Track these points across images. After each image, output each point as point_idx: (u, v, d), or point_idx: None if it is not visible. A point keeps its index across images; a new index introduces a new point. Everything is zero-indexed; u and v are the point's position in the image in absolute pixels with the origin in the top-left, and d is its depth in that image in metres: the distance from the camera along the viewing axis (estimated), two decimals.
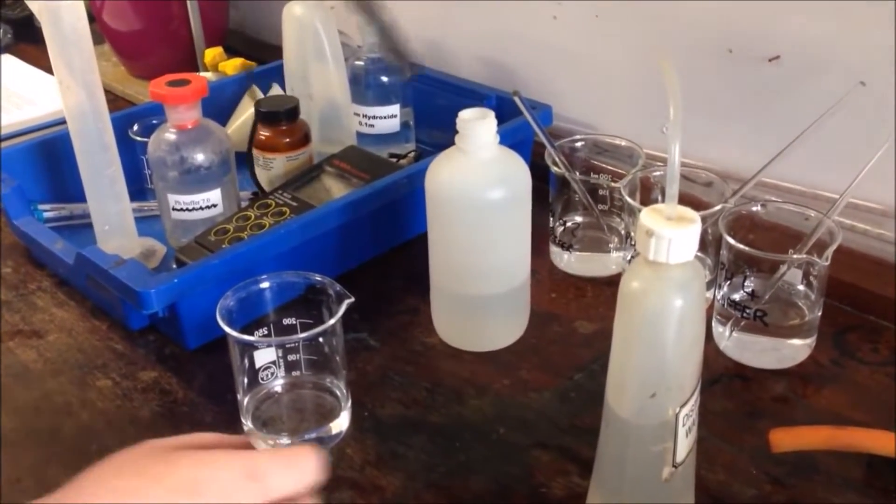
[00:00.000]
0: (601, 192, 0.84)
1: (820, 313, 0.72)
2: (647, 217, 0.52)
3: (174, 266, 0.83)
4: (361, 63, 1.01)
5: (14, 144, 0.94)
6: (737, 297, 0.72)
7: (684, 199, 0.80)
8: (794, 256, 0.70)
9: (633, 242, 0.79)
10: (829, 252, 0.69)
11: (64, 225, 0.93)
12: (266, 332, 0.67)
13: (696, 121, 0.91)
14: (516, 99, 0.79)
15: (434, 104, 1.03)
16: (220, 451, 0.45)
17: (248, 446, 0.49)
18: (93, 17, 1.14)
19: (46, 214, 0.92)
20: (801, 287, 0.73)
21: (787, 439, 0.62)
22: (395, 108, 1.01)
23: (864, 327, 0.77)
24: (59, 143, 0.93)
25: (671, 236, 0.51)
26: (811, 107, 0.73)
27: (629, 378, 0.55)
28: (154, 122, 0.94)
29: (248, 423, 0.68)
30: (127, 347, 0.78)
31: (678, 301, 0.52)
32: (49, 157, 0.94)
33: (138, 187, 0.97)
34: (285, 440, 0.67)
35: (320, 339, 0.66)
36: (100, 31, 1.26)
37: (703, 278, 0.54)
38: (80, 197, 0.88)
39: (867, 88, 0.71)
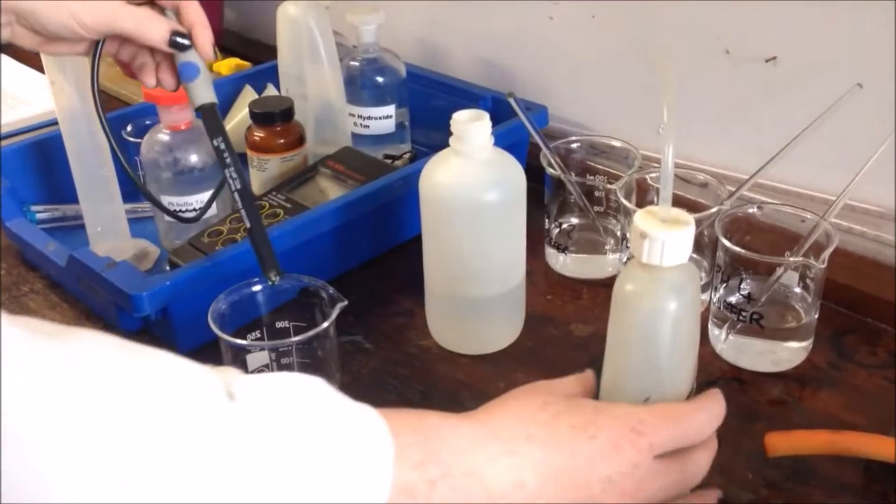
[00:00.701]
0: (597, 193, 0.84)
1: (817, 316, 0.72)
2: (641, 219, 0.51)
3: (168, 268, 0.82)
4: (356, 63, 1.00)
5: (7, 145, 0.94)
6: (733, 299, 0.72)
7: (680, 201, 0.80)
8: (791, 259, 0.70)
9: (628, 244, 0.78)
10: (827, 254, 0.68)
11: (57, 226, 0.92)
12: (259, 336, 0.66)
13: (692, 122, 0.91)
14: (511, 101, 0.79)
15: (429, 105, 1.03)
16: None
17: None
18: None
19: (39, 216, 0.92)
20: (797, 289, 0.72)
21: (784, 443, 0.62)
22: (390, 109, 1.01)
23: (862, 330, 0.76)
24: (52, 144, 0.92)
25: (665, 238, 0.50)
26: (808, 108, 0.72)
27: (623, 381, 0.55)
28: (147, 122, 0.93)
29: None
30: None
31: (672, 304, 0.52)
32: (42, 158, 0.94)
33: (132, 188, 0.96)
34: None
35: (314, 343, 0.66)
36: None
37: (697, 281, 0.54)
38: (74, 198, 0.87)
39: (865, 90, 0.70)
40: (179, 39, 0.66)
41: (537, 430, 0.50)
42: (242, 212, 0.66)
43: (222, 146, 0.68)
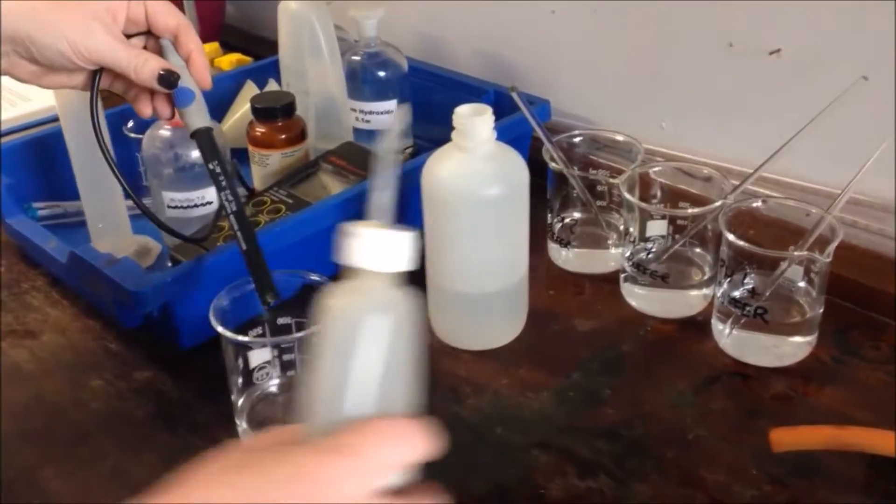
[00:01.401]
0: (599, 187, 0.83)
1: (821, 310, 0.72)
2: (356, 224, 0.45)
3: (169, 264, 0.82)
4: (358, 58, 1.00)
5: (7, 142, 0.93)
6: (737, 294, 0.72)
7: (684, 195, 0.80)
8: (795, 253, 0.69)
9: (632, 239, 0.78)
10: (831, 248, 0.68)
11: (58, 223, 0.92)
12: (261, 332, 0.66)
13: (695, 115, 0.90)
14: (514, 95, 0.78)
15: (431, 99, 1.02)
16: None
17: None
18: None
19: (41, 212, 0.92)
20: (801, 284, 0.72)
21: (788, 439, 0.62)
22: (392, 104, 1.00)
23: (866, 324, 0.76)
24: (53, 141, 0.92)
25: (373, 237, 0.44)
26: (812, 101, 0.72)
27: (315, 393, 0.45)
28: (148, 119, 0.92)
29: (242, 424, 0.67)
30: (121, 347, 0.77)
31: (370, 315, 0.44)
32: (43, 155, 0.94)
33: (133, 185, 0.95)
34: None
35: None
36: None
37: (407, 297, 0.45)
38: (75, 195, 0.87)
39: (869, 82, 0.70)
40: (169, 77, 0.66)
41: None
42: (238, 234, 0.65)
43: (217, 170, 0.68)
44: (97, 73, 0.67)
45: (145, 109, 0.70)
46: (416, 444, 0.44)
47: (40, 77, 0.66)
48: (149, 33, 0.69)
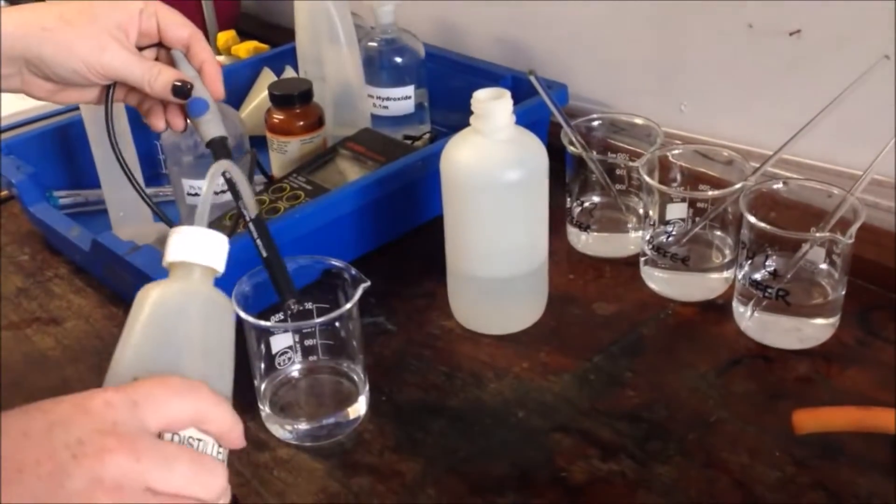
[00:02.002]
0: (618, 171, 0.83)
1: (844, 292, 0.71)
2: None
3: None
4: (375, 44, 0.99)
5: (28, 131, 0.94)
6: (758, 276, 0.71)
7: (703, 178, 0.79)
8: (817, 234, 0.69)
9: (652, 222, 0.78)
10: (853, 230, 0.67)
11: (79, 211, 0.93)
12: (282, 318, 0.66)
13: (715, 97, 0.90)
14: (532, 78, 0.78)
15: (448, 85, 1.02)
16: None
17: None
18: None
19: (62, 201, 0.92)
20: (823, 266, 0.71)
21: (811, 420, 0.61)
22: (409, 90, 1.00)
23: (890, 306, 0.75)
24: (73, 130, 0.93)
25: (184, 233, 0.49)
26: (833, 81, 0.71)
27: (113, 362, 0.48)
28: None
29: (265, 409, 0.67)
30: None
31: (154, 288, 0.47)
32: (64, 144, 0.94)
33: (153, 172, 0.97)
34: (304, 426, 0.66)
35: (337, 324, 0.66)
36: None
37: (223, 305, 0.49)
38: (95, 183, 0.88)
39: (891, 62, 0.69)
40: (183, 88, 0.66)
41: None
42: (258, 242, 0.65)
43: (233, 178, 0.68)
44: (110, 87, 0.68)
45: (158, 123, 0.70)
46: (203, 402, 0.44)
47: (55, 94, 0.67)
48: (160, 45, 0.69)
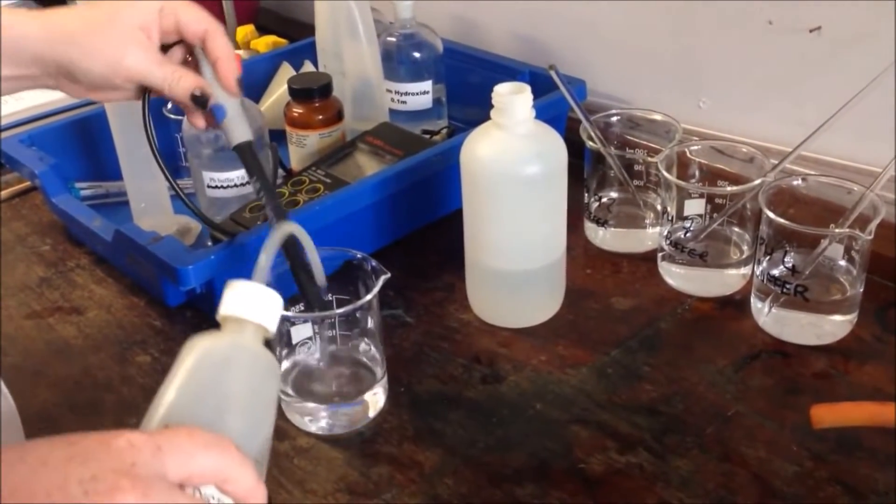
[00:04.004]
0: (637, 167, 0.83)
1: (862, 289, 0.71)
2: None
3: (210, 243, 0.83)
4: (394, 39, 1.00)
5: (51, 123, 0.95)
6: (776, 272, 0.71)
7: (722, 174, 0.79)
8: (836, 231, 0.69)
9: (670, 218, 0.78)
10: (873, 226, 0.67)
11: (100, 203, 0.93)
12: (303, 308, 0.67)
13: (734, 93, 0.90)
14: (552, 73, 0.78)
15: (466, 80, 1.03)
16: None
17: None
18: None
19: (83, 192, 0.93)
20: (842, 262, 0.71)
21: (829, 415, 0.61)
22: (427, 85, 1.01)
23: None
24: (95, 122, 0.93)
25: (240, 288, 0.49)
26: (853, 78, 0.71)
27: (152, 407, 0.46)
28: None
29: (285, 399, 0.68)
30: (165, 324, 0.78)
31: (203, 341, 0.47)
32: (85, 136, 0.95)
33: (173, 165, 0.97)
34: (323, 415, 0.67)
35: (357, 315, 0.66)
36: None
37: (271, 366, 0.49)
38: (117, 175, 0.89)
39: None
40: (200, 98, 0.67)
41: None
42: (283, 250, 0.64)
43: (258, 185, 0.68)
44: (146, 92, 0.68)
45: (194, 121, 0.71)
46: (227, 460, 0.42)
47: (89, 93, 0.67)
48: (185, 42, 0.69)
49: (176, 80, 0.66)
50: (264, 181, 0.69)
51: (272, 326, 0.49)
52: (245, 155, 0.69)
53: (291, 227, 0.58)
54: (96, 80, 0.65)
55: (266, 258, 0.51)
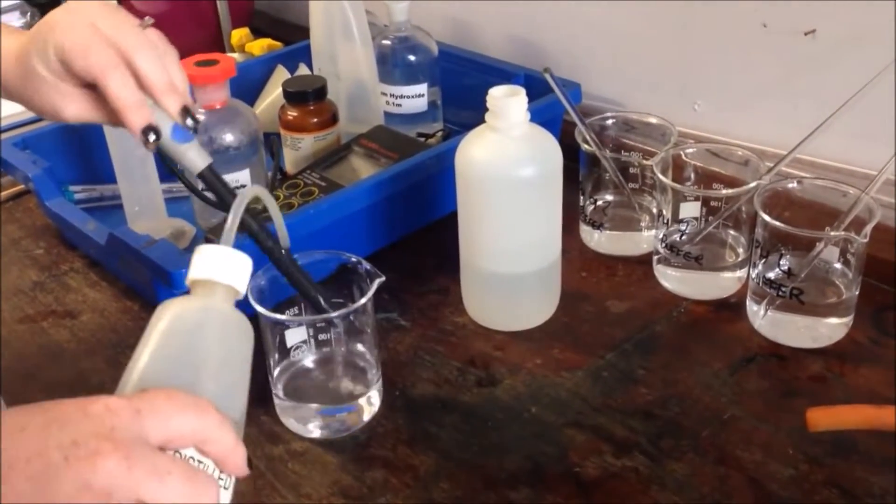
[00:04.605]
0: (632, 170, 0.83)
1: (857, 292, 0.71)
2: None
3: None
4: (388, 42, 1.00)
5: (45, 126, 0.95)
6: (772, 275, 0.71)
7: (718, 177, 0.79)
8: (832, 234, 0.69)
9: (665, 221, 0.78)
10: (868, 229, 0.67)
11: (94, 206, 0.93)
12: (297, 312, 0.67)
13: (730, 96, 0.90)
14: (547, 76, 0.78)
15: (461, 83, 1.03)
16: None
17: None
18: (121, 1, 1.14)
19: (77, 196, 0.93)
20: (838, 265, 0.71)
21: (825, 419, 0.61)
22: (422, 88, 1.01)
23: None
24: (88, 125, 0.92)
25: (209, 251, 0.48)
26: (848, 81, 0.71)
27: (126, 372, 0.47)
28: None
29: (279, 402, 0.68)
30: None
31: (171, 304, 0.47)
32: (79, 139, 0.95)
33: (168, 168, 0.97)
34: (317, 419, 0.67)
35: (351, 318, 0.66)
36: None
37: (229, 310, 0.48)
38: (110, 178, 0.88)
39: None
40: (152, 133, 0.58)
41: None
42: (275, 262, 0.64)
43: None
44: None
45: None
46: (206, 421, 0.42)
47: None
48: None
49: (124, 115, 0.58)
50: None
51: (242, 287, 0.49)
52: (209, 179, 0.63)
53: (257, 190, 0.57)
54: (46, 115, 0.62)
55: (232, 220, 0.51)
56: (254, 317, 0.64)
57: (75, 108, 0.61)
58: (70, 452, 0.38)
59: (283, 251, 0.63)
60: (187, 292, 0.49)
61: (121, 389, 0.44)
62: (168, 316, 0.46)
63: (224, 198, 0.63)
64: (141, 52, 0.58)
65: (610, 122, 0.86)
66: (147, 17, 0.63)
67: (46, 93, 0.60)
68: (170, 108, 0.59)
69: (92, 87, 0.59)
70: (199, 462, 0.43)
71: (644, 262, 0.82)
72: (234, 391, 0.47)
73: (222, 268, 0.48)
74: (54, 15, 0.59)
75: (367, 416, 0.68)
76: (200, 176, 0.62)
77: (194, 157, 0.61)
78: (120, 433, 0.39)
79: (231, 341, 0.48)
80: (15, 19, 1.49)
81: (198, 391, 0.44)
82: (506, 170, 0.69)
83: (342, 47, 0.95)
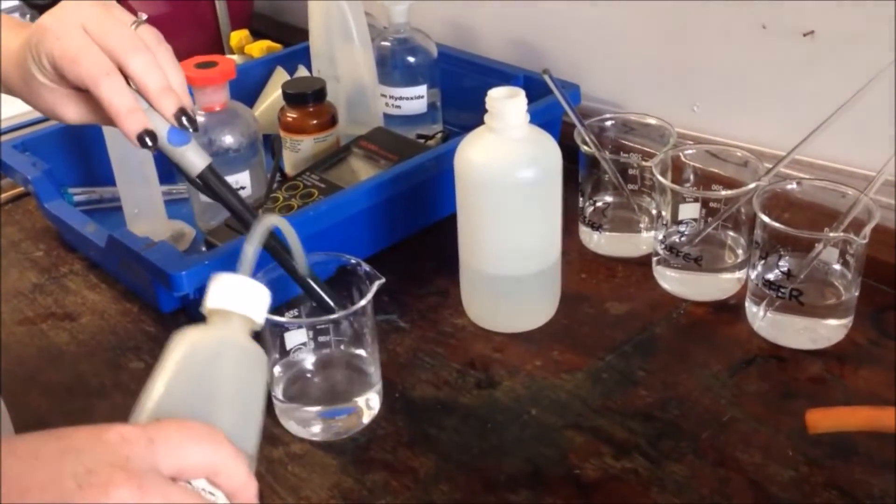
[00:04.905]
0: (631, 171, 0.83)
1: (857, 293, 0.71)
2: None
3: (203, 249, 0.83)
4: (388, 44, 1.00)
5: (44, 128, 0.95)
6: (771, 276, 0.71)
7: (717, 178, 0.79)
8: (831, 235, 0.69)
9: (664, 222, 0.78)
10: (867, 230, 0.67)
11: (94, 208, 0.93)
12: (297, 314, 0.67)
13: (728, 97, 0.90)
14: (546, 77, 0.78)
15: (461, 85, 1.03)
16: None
17: None
18: (119, 1, 1.14)
19: (76, 198, 0.93)
20: (837, 266, 0.71)
21: (825, 420, 0.61)
22: (421, 89, 1.01)
23: None
24: (88, 127, 0.92)
25: (226, 281, 0.48)
26: (847, 82, 0.71)
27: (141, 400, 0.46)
28: None
29: (279, 404, 0.68)
30: (158, 330, 0.78)
31: (190, 334, 0.47)
32: (78, 141, 0.95)
33: (167, 170, 0.97)
34: (317, 421, 0.67)
35: (351, 320, 0.66)
36: None
37: (245, 342, 0.48)
38: (110, 180, 0.88)
39: None
40: (147, 140, 0.57)
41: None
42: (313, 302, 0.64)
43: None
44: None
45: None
46: (220, 453, 0.42)
47: None
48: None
49: (123, 119, 0.57)
50: (234, 202, 0.64)
51: (259, 318, 0.49)
52: (210, 181, 0.62)
53: (274, 219, 0.57)
54: (46, 115, 0.63)
55: (251, 250, 0.51)
56: None
57: (75, 110, 0.61)
58: (84, 480, 0.38)
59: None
60: (203, 319, 0.49)
61: (135, 418, 0.44)
62: (184, 346, 0.46)
63: (226, 199, 0.63)
64: (133, 55, 0.57)
65: (609, 123, 0.86)
66: (141, 14, 0.61)
67: (46, 96, 0.60)
68: (165, 111, 0.58)
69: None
70: (211, 494, 0.42)
71: (643, 263, 0.82)
72: (248, 423, 0.47)
73: (239, 298, 0.48)
74: (45, 20, 0.59)
75: (366, 419, 0.68)
76: (200, 177, 0.62)
77: (193, 159, 0.61)
78: (134, 463, 0.39)
79: (246, 373, 0.47)
80: None
81: (212, 422, 0.43)
82: (505, 171, 0.69)
83: (341, 49, 0.95)
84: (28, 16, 1.49)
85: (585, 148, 0.82)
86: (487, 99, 0.69)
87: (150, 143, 0.58)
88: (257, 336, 0.64)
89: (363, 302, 0.64)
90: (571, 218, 0.84)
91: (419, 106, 1.01)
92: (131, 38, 0.58)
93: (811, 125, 0.72)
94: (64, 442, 0.39)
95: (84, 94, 0.59)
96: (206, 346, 0.47)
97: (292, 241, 0.61)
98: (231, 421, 0.45)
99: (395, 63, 1.00)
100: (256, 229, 0.52)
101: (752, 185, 0.74)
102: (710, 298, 0.78)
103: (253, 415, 0.47)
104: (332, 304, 0.64)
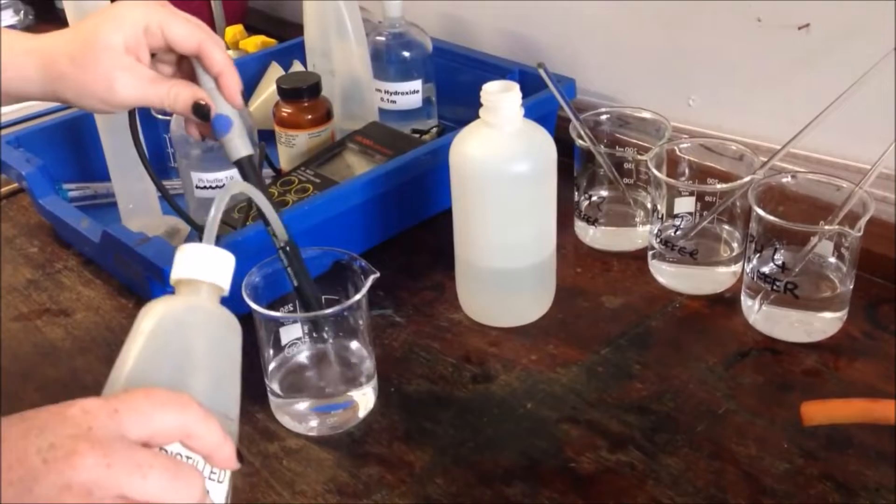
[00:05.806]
0: (626, 165, 0.83)
1: (852, 286, 0.71)
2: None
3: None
4: (383, 38, 1.00)
5: (38, 124, 0.94)
6: (766, 269, 0.71)
7: (712, 172, 0.79)
8: (826, 228, 0.69)
9: (660, 216, 0.78)
10: (862, 223, 0.67)
11: (88, 204, 0.93)
12: (292, 309, 0.67)
13: (724, 91, 0.90)
14: (541, 71, 0.78)
15: (456, 79, 1.03)
16: None
17: None
18: None
19: (71, 194, 0.93)
20: (832, 259, 0.72)
21: (820, 413, 0.61)
22: (417, 84, 1.01)
23: None
24: (82, 123, 0.93)
25: (190, 250, 0.48)
26: (842, 75, 0.71)
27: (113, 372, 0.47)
28: None
29: (274, 399, 0.68)
30: None
31: (156, 304, 0.47)
32: (73, 137, 0.95)
33: (161, 166, 0.97)
34: (313, 415, 0.67)
35: (346, 315, 0.66)
36: None
37: (214, 308, 0.48)
38: (104, 176, 0.88)
39: None
40: (202, 109, 0.64)
41: None
42: (289, 270, 0.64)
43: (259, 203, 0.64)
44: (133, 111, 0.69)
45: (189, 131, 0.70)
46: (188, 416, 0.42)
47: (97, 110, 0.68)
48: (182, 58, 0.67)
49: (174, 98, 0.64)
50: (265, 198, 0.64)
51: (226, 284, 0.49)
52: (247, 170, 0.66)
53: (241, 185, 0.57)
54: (96, 110, 0.66)
55: (215, 215, 0.50)
56: (248, 314, 0.64)
57: (131, 83, 0.63)
58: (49, 455, 0.38)
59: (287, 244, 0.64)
60: (173, 292, 0.49)
61: (107, 392, 0.44)
62: (153, 316, 0.46)
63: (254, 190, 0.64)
64: (214, 36, 0.66)
65: (604, 117, 0.86)
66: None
67: (106, 68, 0.62)
68: (234, 93, 0.66)
69: (155, 66, 0.65)
70: (188, 458, 0.43)
71: (639, 257, 0.82)
72: (224, 387, 0.47)
73: (206, 266, 0.48)
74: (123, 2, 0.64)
75: (362, 413, 0.68)
76: (237, 164, 0.66)
77: (238, 145, 0.66)
78: (97, 432, 0.39)
79: (217, 339, 0.47)
80: (8, 17, 1.48)
81: (186, 389, 0.43)
82: (500, 165, 0.69)
83: (336, 44, 0.95)
84: (22, 12, 1.49)
85: (580, 142, 0.82)
86: (482, 93, 0.69)
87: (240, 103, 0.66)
88: (253, 331, 0.65)
89: (358, 296, 0.64)
90: (567, 212, 0.84)
91: (414, 100, 1.01)
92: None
93: (806, 119, 0.72)
94: (28, 422, 0.40)
95: (146, 68, 0.64)
96: (175, 315, 0.47)
97: (266, 210, 0.62)
98: (206, 386, 0.45)
99: (390, 58, 1.00)
100: (221, 195, 0.51)
101: (747, 179, 0.74)
102: (705, 292, 0.78)
103: (229, 379, 0.47)
104: (316, 303, 0.65)
